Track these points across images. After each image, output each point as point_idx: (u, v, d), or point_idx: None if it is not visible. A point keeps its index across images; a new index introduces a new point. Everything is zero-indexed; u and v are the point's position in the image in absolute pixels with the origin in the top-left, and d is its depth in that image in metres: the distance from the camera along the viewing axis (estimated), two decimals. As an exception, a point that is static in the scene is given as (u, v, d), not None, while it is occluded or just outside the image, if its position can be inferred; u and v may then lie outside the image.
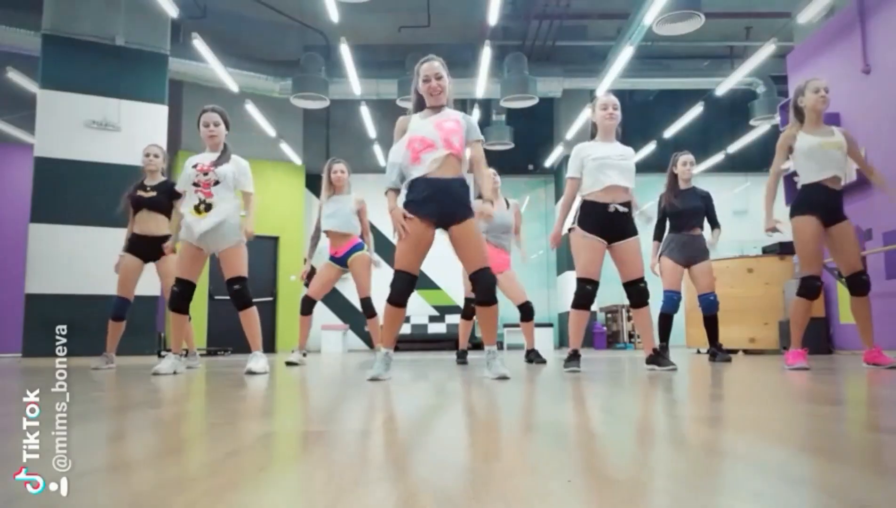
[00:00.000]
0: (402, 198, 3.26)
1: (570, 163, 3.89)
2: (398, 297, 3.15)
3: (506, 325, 11.33)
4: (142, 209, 4.60)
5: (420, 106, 3.30)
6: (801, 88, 3.87)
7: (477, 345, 12.02)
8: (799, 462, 1.11)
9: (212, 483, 0.92)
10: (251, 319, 3.92)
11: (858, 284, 3.78)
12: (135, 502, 0.84)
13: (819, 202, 3.79)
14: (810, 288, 3.79)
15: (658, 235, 5.05)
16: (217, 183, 3.79)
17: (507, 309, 5.22)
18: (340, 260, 5.19)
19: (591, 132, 3.94)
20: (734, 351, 7.25)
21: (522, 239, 5.36)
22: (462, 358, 5.29)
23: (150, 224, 4.59)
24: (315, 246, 5.41)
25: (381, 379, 3.08)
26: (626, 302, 3.98)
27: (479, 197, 3.37)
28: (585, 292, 3.76)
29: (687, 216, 4.91)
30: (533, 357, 5.09)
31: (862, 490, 0.88)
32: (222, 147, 3.96)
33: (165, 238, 4.59)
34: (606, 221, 3.71)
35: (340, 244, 5.17)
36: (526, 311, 5.07)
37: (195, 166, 3.83)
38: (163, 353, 6.56)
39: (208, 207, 3.76)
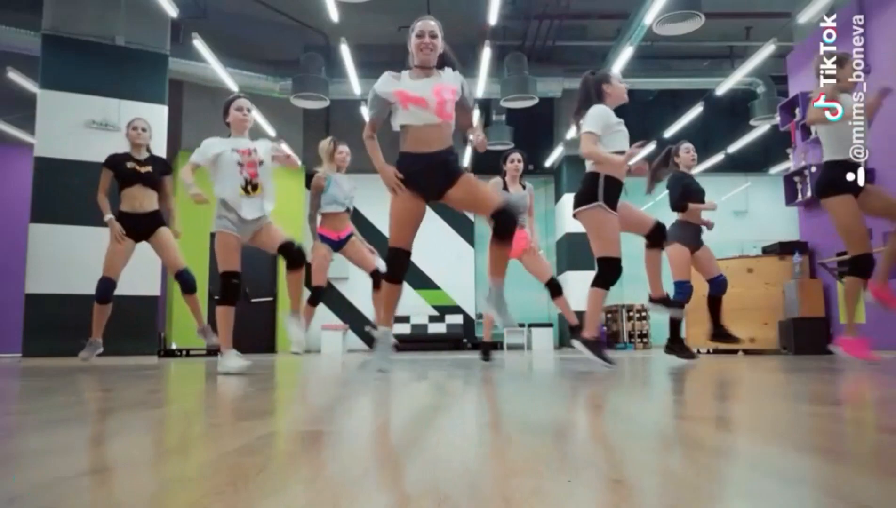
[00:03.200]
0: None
1: (590, 122, 3.65)
2: (396, 273, 3.20)
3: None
4: (135, 184, 4.51)
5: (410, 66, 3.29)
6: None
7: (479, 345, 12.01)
8: (799, 462, 1.11)
9: (212, 483, 0.92)
10: (299, 282, 3.92)
11: None
12: (134, 502, 0.84)
13: (847, 181, 3.74)
14: (862, 266, 3.74)
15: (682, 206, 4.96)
16: (261, 163, 3.82)
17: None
18: (338, 244, 5.20)
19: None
20: (734, 352, 7.26)
21: (536, 225, 5.33)
22: (486, 355, 5.29)
23: (145, 201, 4.52)
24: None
25: (386, 371, 3.07)
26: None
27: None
28: (610, 266, 3.58)
29: (696, 198, 5.00)
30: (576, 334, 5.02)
31: (862, 490, 0.88)
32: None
33: (156, 213, 4.54)
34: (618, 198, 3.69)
35: (341, 228, 5.20)
36: (553, 287, 5.09)
37: (235, 149, 3.80)
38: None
39: (255, 187, 3.78)
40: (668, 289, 4.71)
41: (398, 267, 3.20)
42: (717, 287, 4.92)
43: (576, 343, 3.67)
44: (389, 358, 3.15)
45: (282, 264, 3.97)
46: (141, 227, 4.51)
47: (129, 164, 4.52)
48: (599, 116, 3.60)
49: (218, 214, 3.79)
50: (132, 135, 4.60)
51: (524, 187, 5.24)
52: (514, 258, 5.23)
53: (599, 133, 3.58)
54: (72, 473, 1.01)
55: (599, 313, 3.71)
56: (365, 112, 11.53)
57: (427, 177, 3.15)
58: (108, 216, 4.54)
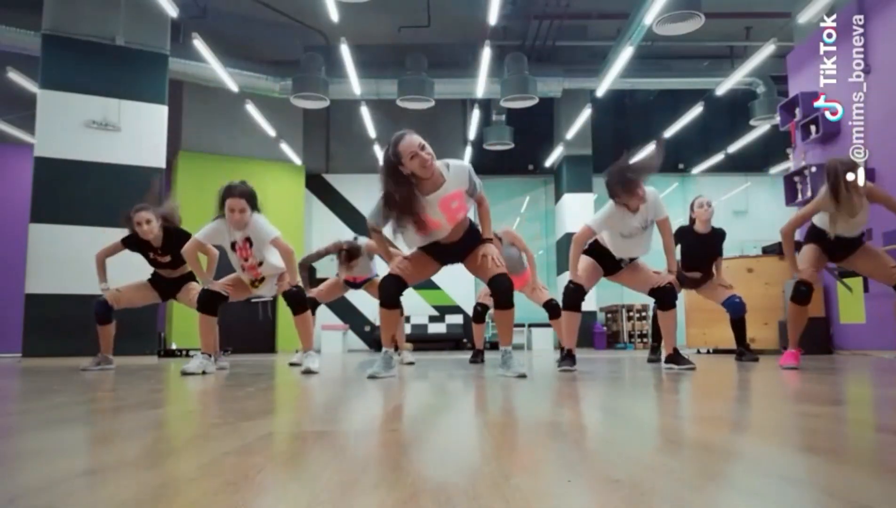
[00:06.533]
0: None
1: (598, 216, 3.83)
2: (384, 299, 3.27)
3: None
4: (159, 268, 4.53)
5: (409, 188, 3.04)
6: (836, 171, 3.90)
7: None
8: (799, 462, 1.11)
9: (212, 483, 0.92)
10: (307, 322, 4.01)
11: None
12: (135, 502, 0.84)
13: (826, 244, 3.94)
14: (797, 292, 3.89)
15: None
16: (261, 263, 3.95)
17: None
18: (356, 286, 5.59)
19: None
20: (733, 352, 7.24)
21: (532, 260, 5.31)
22: (476, 358, 5.35)
23: (174, 273, 4.55)
24: (307, 271, 5.58)
25: (380, 377, 3.21)
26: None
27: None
28: (569, 290, 3.93)
29: (699, 258, 4.91)
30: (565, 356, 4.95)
31: (862, 490, 0.88)
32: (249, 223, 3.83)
33: (189, 275, 4.55)
34: (612, 263, 3.96)
35: (359, 276, 5.53)
36: (552, 308, 5.12)
37: (234, 249, 3.88)
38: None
39: (261, 280, 4.04)
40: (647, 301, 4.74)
41: (389, 293, 3.25)
42: (730, 308, 4.82)
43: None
44: (386, 369, 3.27)
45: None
46: (171, 287, 4.61)
47: (151, 254, 4.42)
48: (603, 215, 3.80)
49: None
50: (137, 229, 4.26)
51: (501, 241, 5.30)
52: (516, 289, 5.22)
53: (596, 229, 3.82)
54: (72, 473, 1.01)
55: (573, 330, 4.00)
56: (365, 112, 11.37)
57: (445, 255, 3.40)
58: (104, 285, 4.37)
